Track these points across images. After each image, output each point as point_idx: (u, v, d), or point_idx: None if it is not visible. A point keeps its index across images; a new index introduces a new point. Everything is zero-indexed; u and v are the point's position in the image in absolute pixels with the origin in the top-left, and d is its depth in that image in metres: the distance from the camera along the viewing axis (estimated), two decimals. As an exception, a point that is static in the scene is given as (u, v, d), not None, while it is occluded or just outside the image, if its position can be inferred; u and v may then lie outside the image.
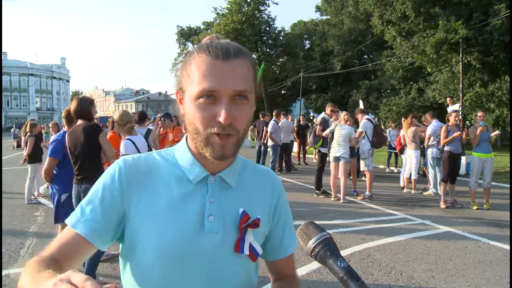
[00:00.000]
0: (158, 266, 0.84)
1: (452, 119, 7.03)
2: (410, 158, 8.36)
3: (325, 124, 7.97)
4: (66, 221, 0.86)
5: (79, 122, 3.53)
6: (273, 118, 10.34)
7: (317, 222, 0.83)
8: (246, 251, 0.87)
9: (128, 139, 4.09)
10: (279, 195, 1.00)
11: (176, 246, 0.83)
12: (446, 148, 6.97)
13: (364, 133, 7.63)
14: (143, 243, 0.84)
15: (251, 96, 0.83)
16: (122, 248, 0.90)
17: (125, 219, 0.85)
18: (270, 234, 0.98)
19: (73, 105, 3.55)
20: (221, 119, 0.78)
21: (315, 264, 3.88)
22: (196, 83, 0.80)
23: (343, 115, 7.46)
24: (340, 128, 7.32)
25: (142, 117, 6.20)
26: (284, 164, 11.44)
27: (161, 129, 6.85)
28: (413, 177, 8.28)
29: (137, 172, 0.87)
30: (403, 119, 9.92)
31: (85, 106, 3.53)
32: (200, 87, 0.79)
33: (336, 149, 7.30)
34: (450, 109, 11.47)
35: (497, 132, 7.24)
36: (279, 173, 10.73)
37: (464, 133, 6.87)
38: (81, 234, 0.82)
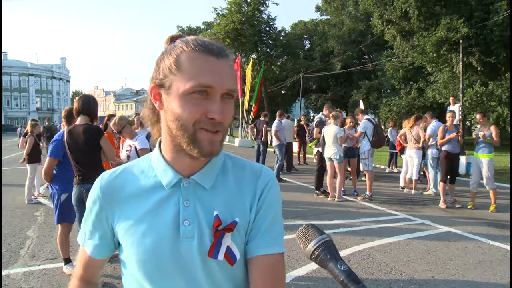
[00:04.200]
0: (142, 275, 0.84)
1: (447, 120, 7.08)
2: (411, 158, 8.35)
3: (322, 125, 7.99)
4: (77, 240, 0.98)
5: (79, 120, 3.50)
6: (277, 118, 10.34)
7: (317, 222, 0.83)
8: (221, 256, 0.83)
9: (142, 136, 4.47)
10: (264, 188, 0.89)
11: (155, 254, 0.83)
12: (443, 148, 6.99)
13: (364, 133, 7.64)
14: (127, 254, 0.86)
15: (236, 96, 0.86)
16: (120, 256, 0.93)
17: (115, 232, 0.90)
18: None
19: (76, 103, 3.54)
20: (216, 116, 0.77)
21: (316, 264, 3.88)
22: (189, 78, 0.77)
23: (331, 115, 7.41)
24: (327, 129, 7.31)
25: None
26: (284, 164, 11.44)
27: None
28: (413, 177, 8.27)
29: (114, 188, 0.89)
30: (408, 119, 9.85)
31: (88, 103, 3.52)
32: (195, 82, 0.76)
33: (327, 150, 7.29)
34: (449, 109, 11.47)
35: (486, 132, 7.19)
36: (280, 172, 10.73)
37: (459, 135, 6.88)
38: (89, 254, 0.93)
